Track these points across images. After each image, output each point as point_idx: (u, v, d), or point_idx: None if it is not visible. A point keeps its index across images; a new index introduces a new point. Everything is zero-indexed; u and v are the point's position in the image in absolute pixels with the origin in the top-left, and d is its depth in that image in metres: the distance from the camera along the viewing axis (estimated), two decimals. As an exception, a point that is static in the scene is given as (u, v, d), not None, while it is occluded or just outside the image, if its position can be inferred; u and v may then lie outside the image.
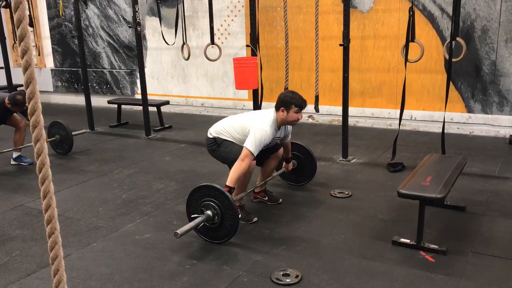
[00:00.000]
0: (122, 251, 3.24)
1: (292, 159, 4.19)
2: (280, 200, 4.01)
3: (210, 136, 3.71)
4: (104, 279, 2.88)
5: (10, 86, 7.43)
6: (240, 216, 3.62)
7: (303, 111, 3.61)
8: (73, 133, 5.80)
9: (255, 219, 3.63)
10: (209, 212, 3.19)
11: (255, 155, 3.40)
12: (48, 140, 5.49)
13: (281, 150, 3.92)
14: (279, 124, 3.59)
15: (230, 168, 3.45)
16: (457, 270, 2.83)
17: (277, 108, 3.56)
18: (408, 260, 2.97)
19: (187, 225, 3.13)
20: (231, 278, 2.84)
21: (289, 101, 3.51)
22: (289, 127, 3.82)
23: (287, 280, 2.77)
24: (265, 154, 3.77)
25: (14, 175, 5.10)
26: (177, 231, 3.00)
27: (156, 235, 3.48)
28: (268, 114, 3.58)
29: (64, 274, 1.12)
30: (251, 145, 3.38)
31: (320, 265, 2.96)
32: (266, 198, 4.02)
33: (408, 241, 3.13)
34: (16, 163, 5.40)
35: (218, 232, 3.25)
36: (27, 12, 0.95)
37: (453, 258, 2.98)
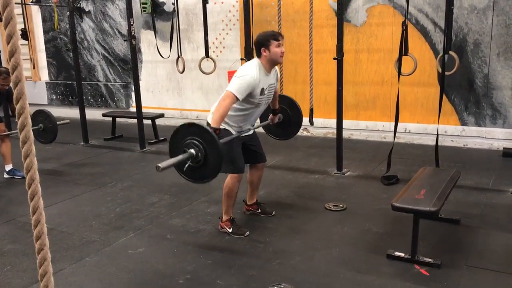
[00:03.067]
0: (115, 266, 3.20)
1: (279, 112, 4.04)
2: (274, 213, 3.99)
3: None
4: (96, 295, 2.85)
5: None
6: (231, 230, 3.61)
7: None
8: (58, 122, 5.55)
9: (247, 233, 3.60)
10: (192, 150, 3.02)
11: (238, 97, 3.30)
12: (32, 128, 5.44)
13: (262, 165, 3.91)
14: (266, 67, 3.47)
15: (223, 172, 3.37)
16: (452, 284, 2.82)
17: (258, 53, 3.47)
18: (403, 274, 2.96)
19: (170, 159, 2.98)
20: (225, 293, 2.81)
21: (265, 39, 3.42)
22: (278, 73, 3.74)
23: (281, 295, 2.75)
24: (251, 154, 3.75)
25: (7, 189, 5.06)
26: (159, 164, 2.81)
27: (150, 249, 3.45)
28: (249, 63, 3.50)
29: (53, 292, 1.11)
30: (233, 87, 3.30)
31: (314, 279, 2.94)
32: (259, 210, 4.01)
33: (402, 254, 3.12)
34: (9, 176, 5.37)
35: (203, 170, 3.10)
36: (18, 28, 0.95)
37: (447, 271, 2.97)
